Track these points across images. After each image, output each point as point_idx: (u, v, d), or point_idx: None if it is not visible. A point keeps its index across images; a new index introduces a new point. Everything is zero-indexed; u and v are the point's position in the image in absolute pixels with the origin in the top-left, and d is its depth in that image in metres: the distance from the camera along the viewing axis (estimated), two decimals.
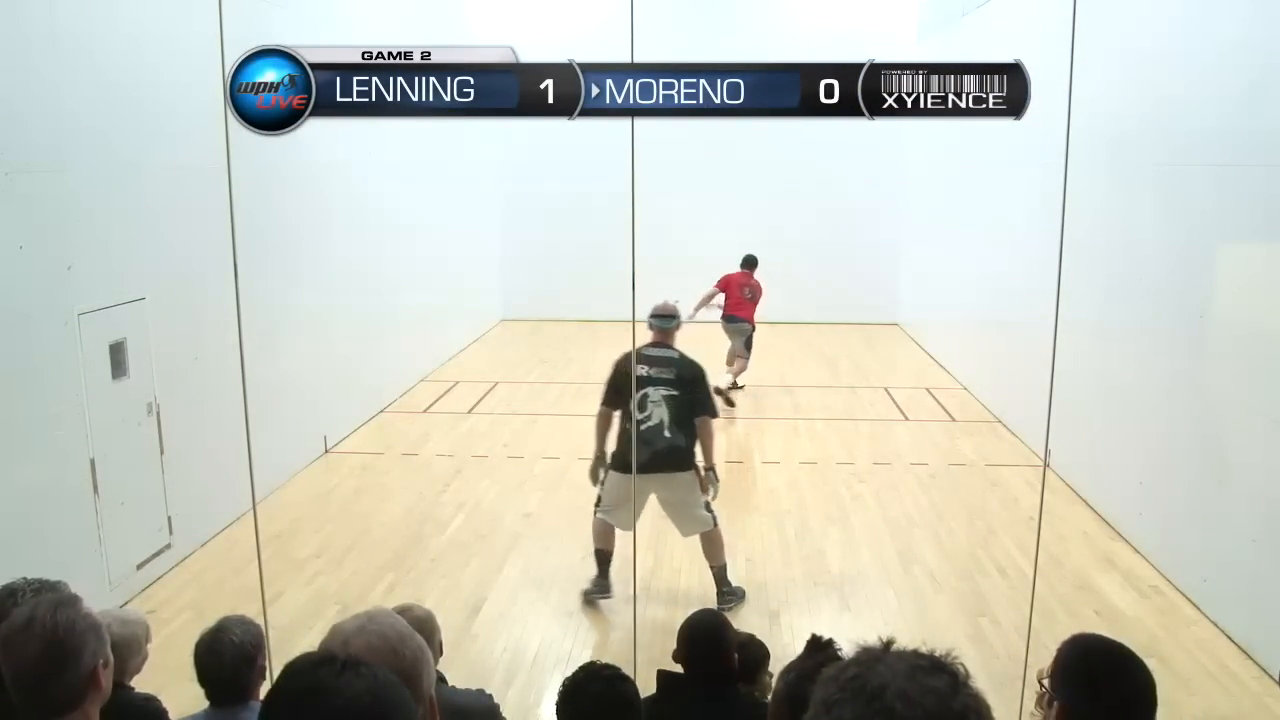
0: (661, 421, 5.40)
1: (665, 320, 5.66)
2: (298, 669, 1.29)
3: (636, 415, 5.32)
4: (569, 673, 2.65)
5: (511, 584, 6.07)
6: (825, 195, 14.74)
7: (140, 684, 2.93)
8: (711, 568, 5.71)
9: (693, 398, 5.48)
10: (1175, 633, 5.42)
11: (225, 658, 2.63)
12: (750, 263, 10.97)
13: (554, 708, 2.60)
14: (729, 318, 10.75)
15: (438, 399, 10.58)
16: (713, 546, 5.66)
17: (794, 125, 12.42)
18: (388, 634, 1.59)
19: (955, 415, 9.97)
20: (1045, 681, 2.01)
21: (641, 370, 5.38)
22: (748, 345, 10.80)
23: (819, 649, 2.33)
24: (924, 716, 1.06)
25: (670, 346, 5.65)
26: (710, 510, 5.62)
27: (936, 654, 1.15)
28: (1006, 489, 7.74)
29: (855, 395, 10.91)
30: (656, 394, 5.44)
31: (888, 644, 1.18)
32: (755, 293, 10.84)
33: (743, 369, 10.73)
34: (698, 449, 5.55)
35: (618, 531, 5.62)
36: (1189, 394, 5.93)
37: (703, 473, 5.55)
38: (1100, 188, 6.85)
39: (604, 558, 5.71)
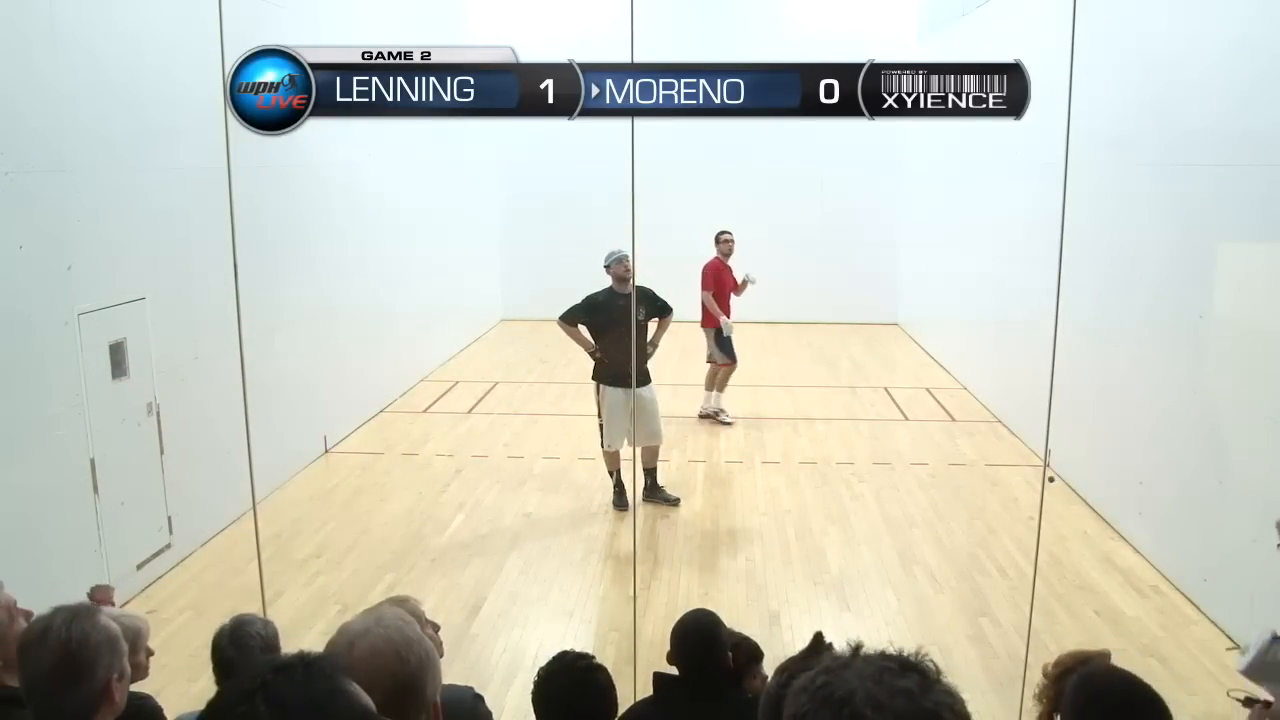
0: None
1: None
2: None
3: None
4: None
5: (511, 584, 6.08)
6: (825, 195, 14.73)
7: (140, 684, 2.92)
8: None
9: None
10: (1175, 633, 5.42)
11: (250, 651, 2.60)
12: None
13: (530, 699, 2.61)
14: None
15: (438, 399, 10.58)
16: None
17: (794, 125, 12.43)
18: (394, 638, 1.58)
19: (955, 415, 9.96)
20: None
21: None
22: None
23: (819, 649, 2.30)
24: (895, 719, 1.04)
25: None
26: None
27: (905, 653, 1.13)
28: (1006, 489, 7.74)
29: (855, 395, 10.90)
30: None
31: (856, 649, 1.16)
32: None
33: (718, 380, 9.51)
34: None
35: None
36: (1189, 393, 5.93)
37: None
38: (1100, 188, 6.84)
39: None
